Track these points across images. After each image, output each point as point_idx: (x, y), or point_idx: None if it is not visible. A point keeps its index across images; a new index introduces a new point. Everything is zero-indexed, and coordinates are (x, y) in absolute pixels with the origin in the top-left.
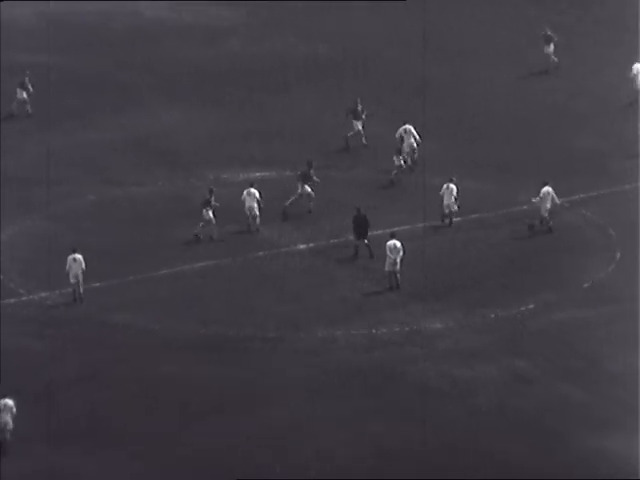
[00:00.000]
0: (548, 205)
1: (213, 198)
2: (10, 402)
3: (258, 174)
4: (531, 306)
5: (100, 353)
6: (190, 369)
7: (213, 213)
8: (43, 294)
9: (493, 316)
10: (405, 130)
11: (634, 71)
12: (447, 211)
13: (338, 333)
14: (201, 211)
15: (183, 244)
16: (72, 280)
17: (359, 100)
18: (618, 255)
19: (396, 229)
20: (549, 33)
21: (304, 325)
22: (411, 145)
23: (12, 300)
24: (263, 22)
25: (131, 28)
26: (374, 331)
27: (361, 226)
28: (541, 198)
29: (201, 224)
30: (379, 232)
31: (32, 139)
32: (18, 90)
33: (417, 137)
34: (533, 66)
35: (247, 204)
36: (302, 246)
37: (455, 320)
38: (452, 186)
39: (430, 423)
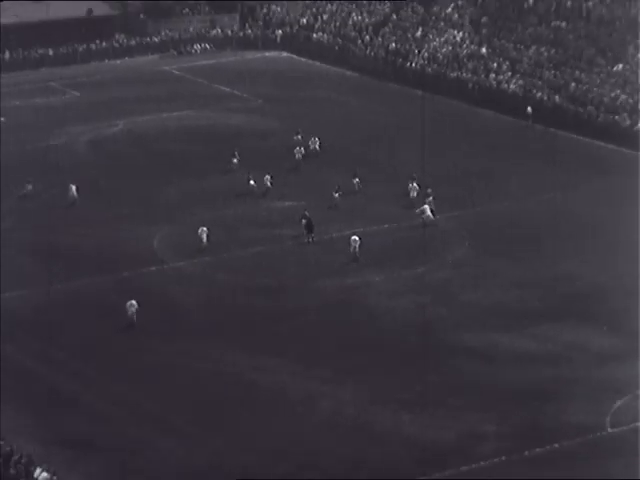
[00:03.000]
0: (427, 213)
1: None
2: (134, 302)
3: (287, 203)
4: (423, 269)
5: (209, 293)
6: (253, 302)
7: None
8: (180, 263)
9: (405, 274)
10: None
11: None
12: (425, 218)
13: (327, 283)
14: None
15: (249, 240)
16: (200, 239)
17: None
18: (467, 244)
19: (355, 230)
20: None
21: (310, 280)
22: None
23: (154, 267)
24: (288, 127)
25: (222, 131)
26: (345, 282)
27: (309, 225)
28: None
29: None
30: (347, 232)
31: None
32: (233, 159)
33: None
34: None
35: (265, 183)
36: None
37: (386, 276)
38: (426, 204)
39: (372, 327)
